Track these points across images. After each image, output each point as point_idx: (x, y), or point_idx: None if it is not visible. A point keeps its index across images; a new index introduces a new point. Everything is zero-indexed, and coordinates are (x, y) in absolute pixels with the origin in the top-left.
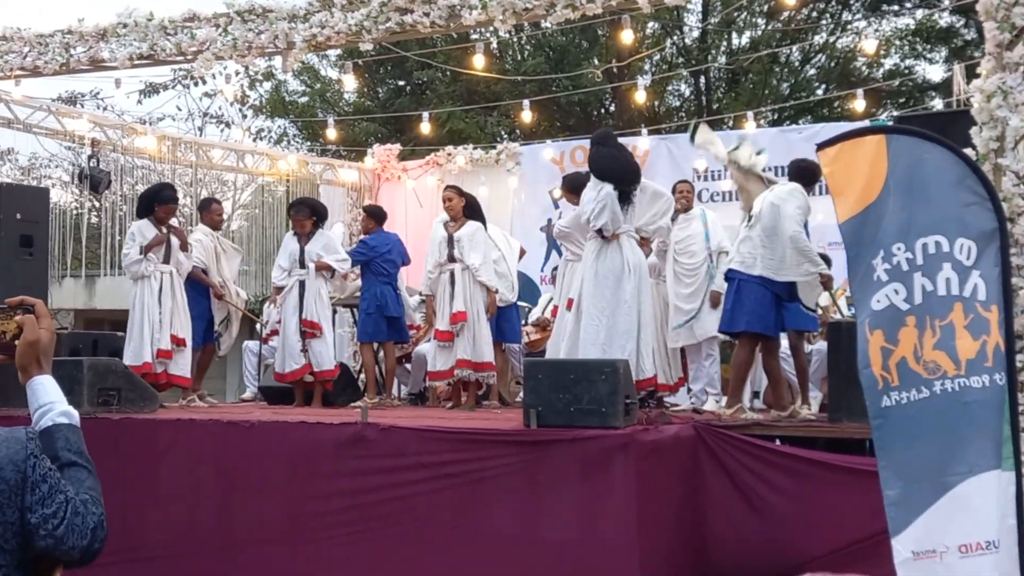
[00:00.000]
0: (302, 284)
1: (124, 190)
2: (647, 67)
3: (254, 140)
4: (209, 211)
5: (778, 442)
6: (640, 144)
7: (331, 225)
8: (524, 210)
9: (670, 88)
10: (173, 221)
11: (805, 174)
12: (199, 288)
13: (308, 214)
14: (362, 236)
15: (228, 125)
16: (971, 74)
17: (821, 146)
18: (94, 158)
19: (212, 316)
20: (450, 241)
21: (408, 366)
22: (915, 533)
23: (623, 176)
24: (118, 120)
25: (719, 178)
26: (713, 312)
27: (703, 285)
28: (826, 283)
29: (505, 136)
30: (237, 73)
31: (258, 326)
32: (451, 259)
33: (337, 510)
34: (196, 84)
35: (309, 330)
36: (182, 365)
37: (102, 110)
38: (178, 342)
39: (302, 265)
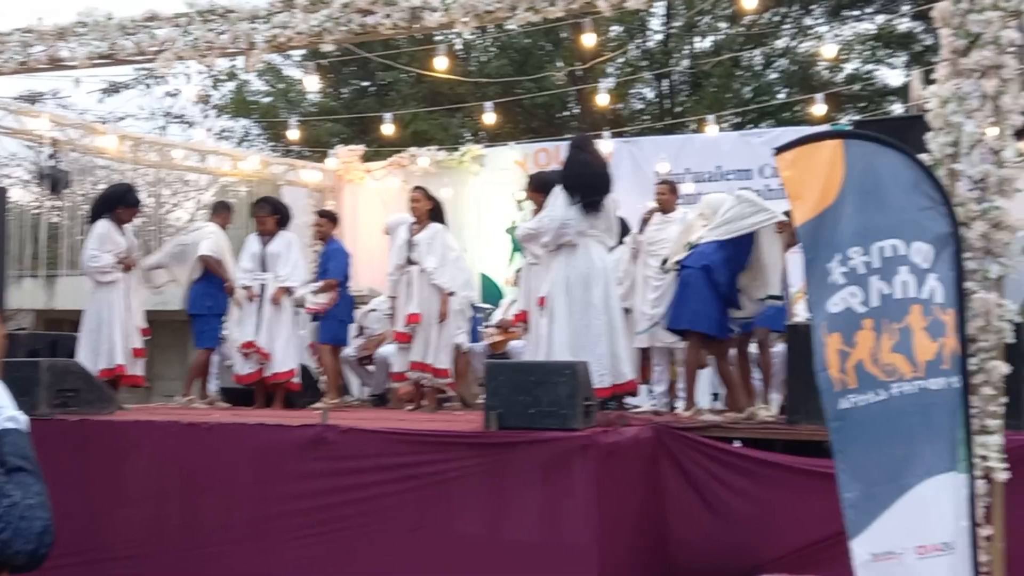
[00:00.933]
0: (263, 287)
1: (85, 190)
2: (611, 70)
3: (217, 140)
4: (223, 214)
5: (738, 444)
6: (603, 147)
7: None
8: (487, 212)
9: (633, 91)
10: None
11: None
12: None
13: (270, 211)
14: (318, 241)
15: (190, 125)
16: (929, 79)
17: (779, 150)
18: (54, 157)
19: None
20: (410, 244)
21: (371, 368)
22: (874, 535)
23: (591, 187)
24: (79, 119)
25: (681, 181)
26: None
27: (670, 290)
28: (783, 228)
29: (469, 138)
30: (200, 73)
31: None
32: (410, 262)
33: (298, 511)
34: (158, 83)
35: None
36: (140, 364)
37: (63, 109)
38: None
39: (263, 268)
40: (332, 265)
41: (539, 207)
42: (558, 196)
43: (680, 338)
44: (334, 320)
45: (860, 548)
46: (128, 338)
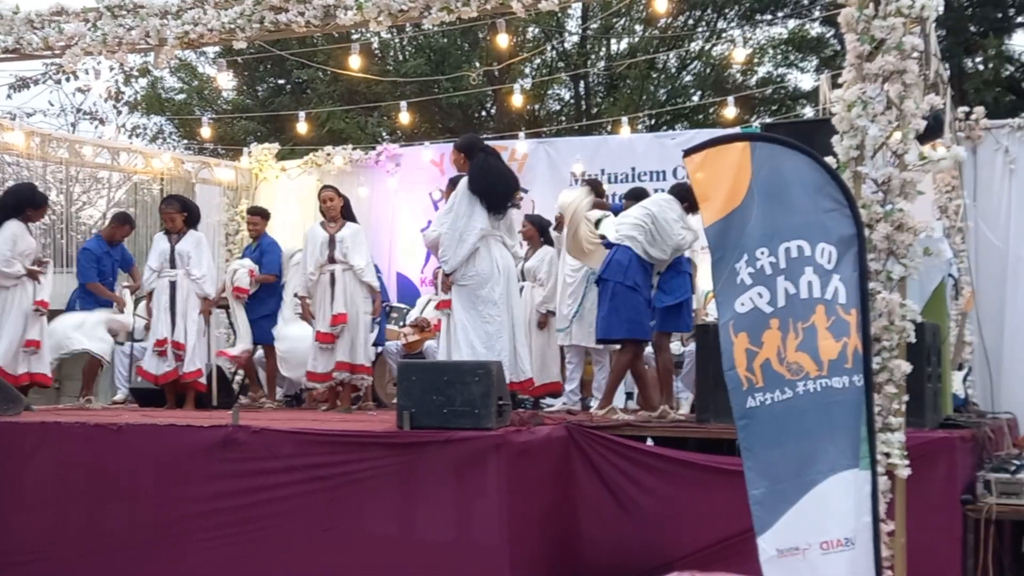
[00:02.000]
0: (173, 285)
1: None
2: (528, 71)
3: (130, 137)
4: (124, 228)
5: (650, 442)
6: (519, 147)
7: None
8: (404, 211)
9: (550, 92)
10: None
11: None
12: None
13: (179, 208)
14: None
15: (102, 122)
16: (837, 83)
17: (688, 152)
18: None
19: None
20: (331, 242)
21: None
22: (779, 531)
23: (503, 195)
24: None
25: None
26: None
27: (580, 288)
28: None
29: (386, 137)
30: (112, 68)
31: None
32: (331, 260)
33: (209, 513)
34: (68, 79)
35: (176, 350)
36: (44, 363)
37: None
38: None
39: (172, 265)
40: (267, 260)
41: None
42: (461, 202)
43: (604, 345)
44: (275, 317)
45: (766, 544)
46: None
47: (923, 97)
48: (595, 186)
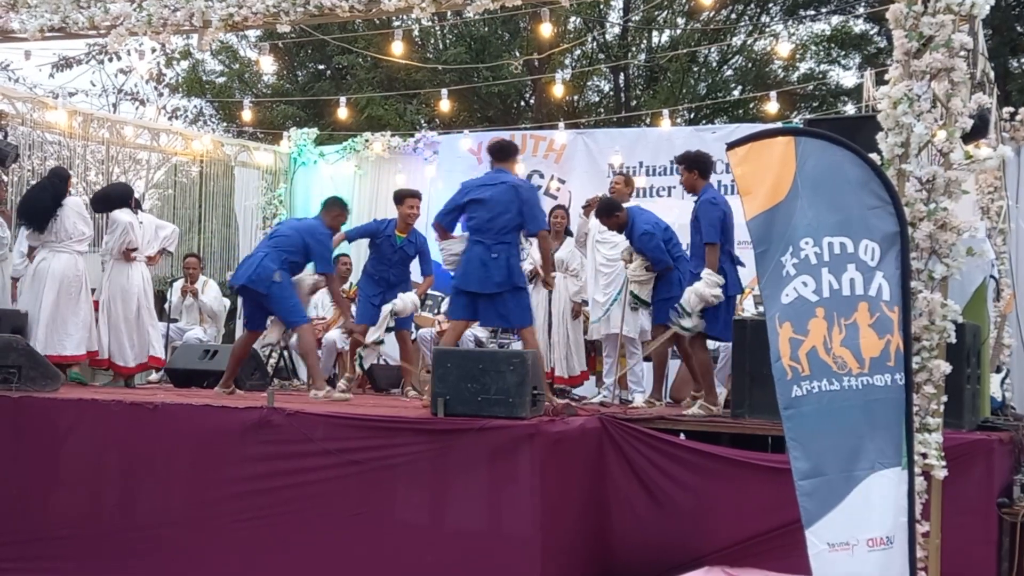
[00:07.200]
0: None
1: (34, 164)
2: (568, 62)
3: (169, 119)
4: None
5: (682, 436)
6: (557, 138)
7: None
8: (440, 199)
9: (590, 84)
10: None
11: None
12: None
13: None
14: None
15: (143, 103)
16: (881, 80)
17: (731, 146)
18: (2, 131)
19: None
20: None
21: (319, 352)
22: (829, 525)
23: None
24: (28, 93)
25: (635, 174)
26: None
27: (619, 278)
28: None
29: (424, 124)
30: (153, 50)
31: (165, 307)
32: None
33: (241, 495)
34: (111, 59)
35: None
36: None
37: (12, 82)
38: None
39: None
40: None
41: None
42: None
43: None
44: None
45: (815, 538)
46: None
47: (970, 96)
48: (626, 179)
